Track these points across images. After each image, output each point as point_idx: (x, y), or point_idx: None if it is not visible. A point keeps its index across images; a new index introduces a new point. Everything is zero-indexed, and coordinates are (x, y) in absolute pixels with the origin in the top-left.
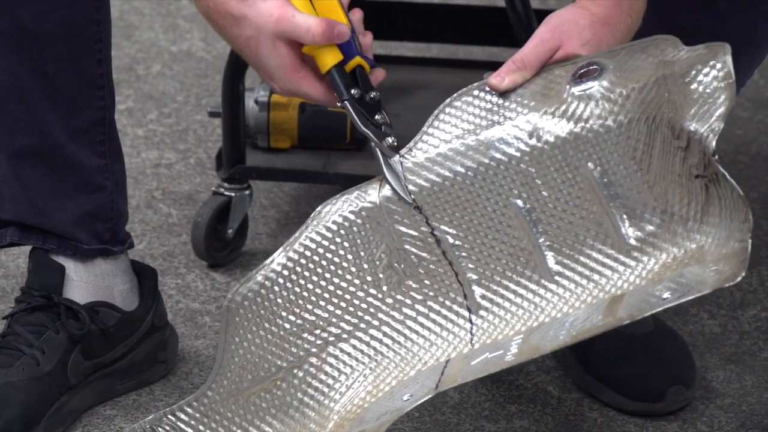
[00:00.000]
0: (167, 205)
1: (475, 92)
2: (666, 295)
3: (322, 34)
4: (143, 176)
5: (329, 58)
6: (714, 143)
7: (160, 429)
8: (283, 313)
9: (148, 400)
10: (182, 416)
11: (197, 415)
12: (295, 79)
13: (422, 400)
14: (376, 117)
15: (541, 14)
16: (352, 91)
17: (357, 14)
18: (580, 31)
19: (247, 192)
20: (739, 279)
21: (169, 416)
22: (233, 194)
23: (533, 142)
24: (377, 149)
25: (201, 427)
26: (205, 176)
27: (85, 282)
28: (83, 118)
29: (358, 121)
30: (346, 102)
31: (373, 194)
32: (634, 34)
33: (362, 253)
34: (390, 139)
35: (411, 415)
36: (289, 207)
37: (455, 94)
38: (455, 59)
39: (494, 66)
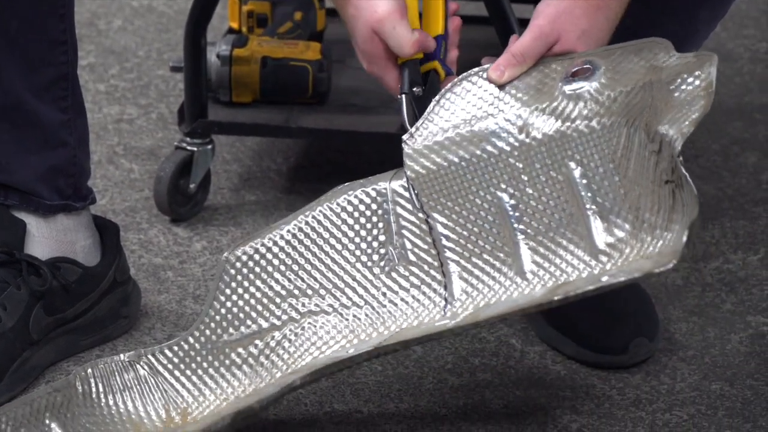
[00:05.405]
0: (129, 160)
1: (474, 78)
2: (604, 278)
3: (410, 53)
4: (105, 132)
5: None
6: (680, 146)
7: (137, 365)
8: (276, 275)
9: (111, 356)
10: (161, 358)
11: (175, 359)
12: (382, 66)
13: (362, 351)
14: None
15: None
16: (414, 89)
17: (455, 23)
18: (576, 22)
19: (209, 146)
20: (670, 266)
21: (149, 356)
22: (195, 149)
23: (522, 137)
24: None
25: (176, 372)
26: (167, 131)
27: (46, 238)
28: (46, 74)
29: (405, 115)
30: (402, 96)
31: (384, 180)
32: None
33: (363, 233)
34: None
35: (374, 369)
36: (252, 161)
37: (456, 79)
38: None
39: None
